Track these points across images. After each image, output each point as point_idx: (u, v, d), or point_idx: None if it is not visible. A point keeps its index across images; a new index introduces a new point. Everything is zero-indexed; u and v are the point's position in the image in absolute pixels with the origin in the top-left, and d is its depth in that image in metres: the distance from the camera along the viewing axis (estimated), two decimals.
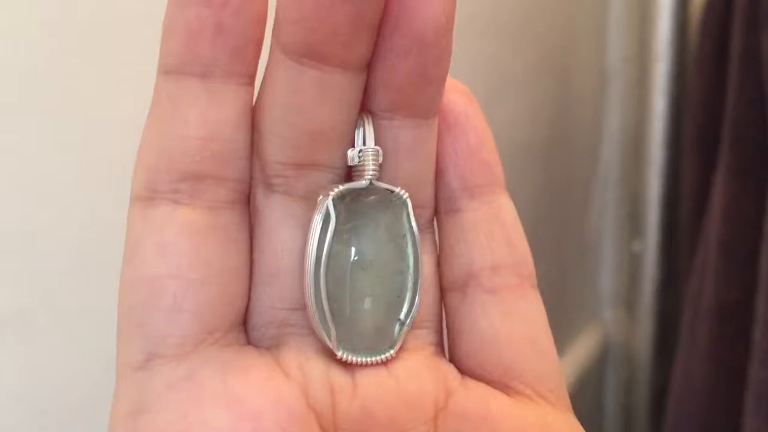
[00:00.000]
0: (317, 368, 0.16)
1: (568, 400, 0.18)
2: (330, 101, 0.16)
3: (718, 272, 0.54)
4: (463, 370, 0.18)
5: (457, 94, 0.18)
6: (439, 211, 0.18)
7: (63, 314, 0.32)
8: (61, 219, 0.31)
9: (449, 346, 0.18)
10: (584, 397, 0.76)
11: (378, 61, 0.16)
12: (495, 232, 0.18)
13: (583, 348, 0.76)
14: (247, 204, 0.17)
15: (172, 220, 0.16)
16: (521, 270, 0.18)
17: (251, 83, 0.16)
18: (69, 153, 0.31)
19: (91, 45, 0.31)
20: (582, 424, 0.18)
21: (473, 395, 0.17)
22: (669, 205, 0.74)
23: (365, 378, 0.17)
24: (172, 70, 0.15)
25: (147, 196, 0.16)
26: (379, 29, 0.15)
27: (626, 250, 0.77)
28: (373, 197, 0.17)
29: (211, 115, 0.15)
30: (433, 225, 0.18)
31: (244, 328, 0.17)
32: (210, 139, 0.15)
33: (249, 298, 0.17)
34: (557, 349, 0.19)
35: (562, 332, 0.71)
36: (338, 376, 0.17)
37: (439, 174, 0.18)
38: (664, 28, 0.71)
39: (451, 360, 0.18)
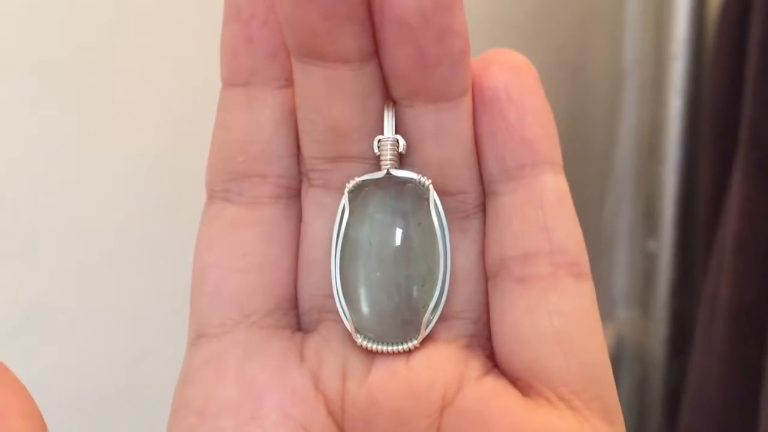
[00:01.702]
0: (334, 354, 0.17)
1: (605, 405, 0.16)
2: (340, 95, 0.16)
3: (734, 272, 0.54)
4: (496, 364, 0.17)
5: (499, 68, 0.16)
6: (485, 195, 0.17)
7: (88, 309, 0.32)
8: (87, 216, 0.31)
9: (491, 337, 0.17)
10: None
11: (380, 51, 0.16)
12: (530, 216, 0.16)
13: None
14: (295, 198, 0.18)
15: (220, 216, 0.17)
16: (557, 258, 0.16)
17: (289, 85, 0.17)
18: (95, 151, 0.31)
19: (114, 42, 0.31)
20: None
21: (481, 392, 0.17)
22: (684, 204, 0.73)
23: (380, 366, 0.17)
24: (225, 82, 0.17)
25: (209, 194, 0.18)
26: (372, 19, 0.15)
27: (641, 249, 0.77)
28: (394, 186, 0.17)
29: (250, 119, 0.17)
30: (480, 210, 0.17)
31: (296, 312, 0.18)
32: (250, 142, 0.17)
33: (295, 285, 0.18)
34: None
35: None
36: (355, 362, 0.17)
37: (480, 157, 0.17)
38: (681, 26, 0.70)
39: (491, 352, 0.17)
